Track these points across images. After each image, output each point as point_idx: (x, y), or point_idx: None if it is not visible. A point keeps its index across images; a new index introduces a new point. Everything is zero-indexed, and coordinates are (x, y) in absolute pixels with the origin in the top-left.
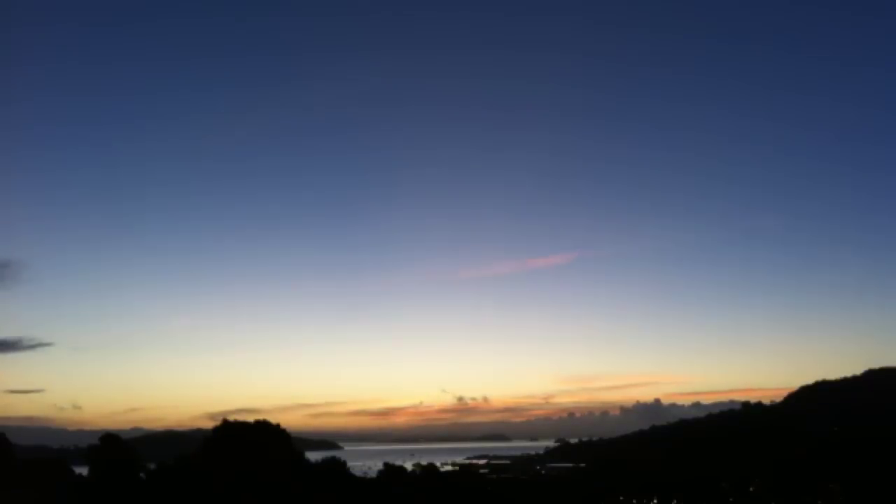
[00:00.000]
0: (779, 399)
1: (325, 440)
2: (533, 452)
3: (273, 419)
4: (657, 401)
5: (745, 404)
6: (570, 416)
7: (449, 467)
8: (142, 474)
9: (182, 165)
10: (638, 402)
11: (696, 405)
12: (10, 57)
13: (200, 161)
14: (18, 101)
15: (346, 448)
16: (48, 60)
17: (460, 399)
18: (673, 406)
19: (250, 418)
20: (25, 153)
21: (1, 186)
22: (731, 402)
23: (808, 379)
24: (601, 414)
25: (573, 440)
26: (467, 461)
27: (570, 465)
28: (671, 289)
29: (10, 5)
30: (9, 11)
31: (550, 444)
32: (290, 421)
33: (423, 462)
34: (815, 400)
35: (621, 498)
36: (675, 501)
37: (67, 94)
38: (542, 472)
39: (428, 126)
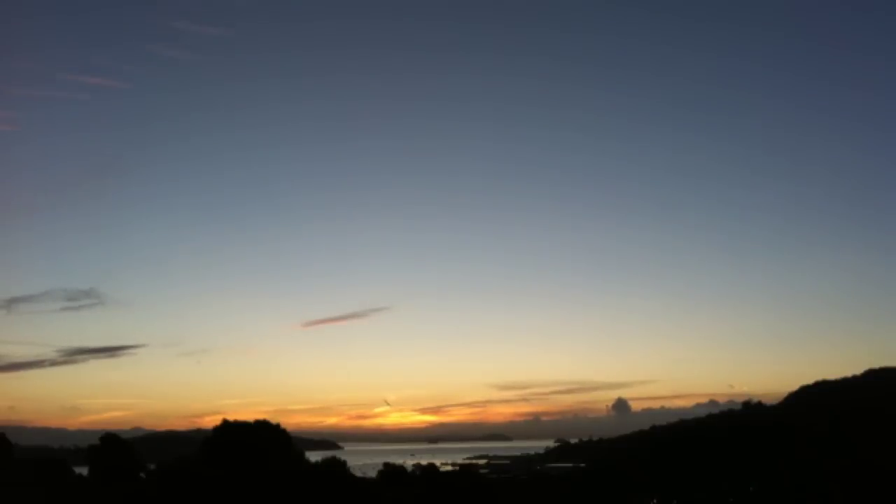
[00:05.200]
0: (778, 399)
1: (325, 440)
2: (533, 452)
3: (272, 419)
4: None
5: (746, 404)
6: (558, 418)
7: (449, 467)
8: (142, 474)
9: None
10: (619, 401)
11: (664, 407)
12: None
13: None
14: None
15: (346, 448)
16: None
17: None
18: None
19: (250, 418)
20: None
21: None
22: (703, 404)
23: (808, 379)
24: (585, 416)
25: (573, 440)
26: (467, 461)
27: (570, 465)
28: (660, 288)
29: None
30: None
31: (550, 444)
32: (289, 421)
33: (423, 462)
34: (815, 400)
35: (621, 498)
36: (674, 501)
37: None
38: (542, 472)
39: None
